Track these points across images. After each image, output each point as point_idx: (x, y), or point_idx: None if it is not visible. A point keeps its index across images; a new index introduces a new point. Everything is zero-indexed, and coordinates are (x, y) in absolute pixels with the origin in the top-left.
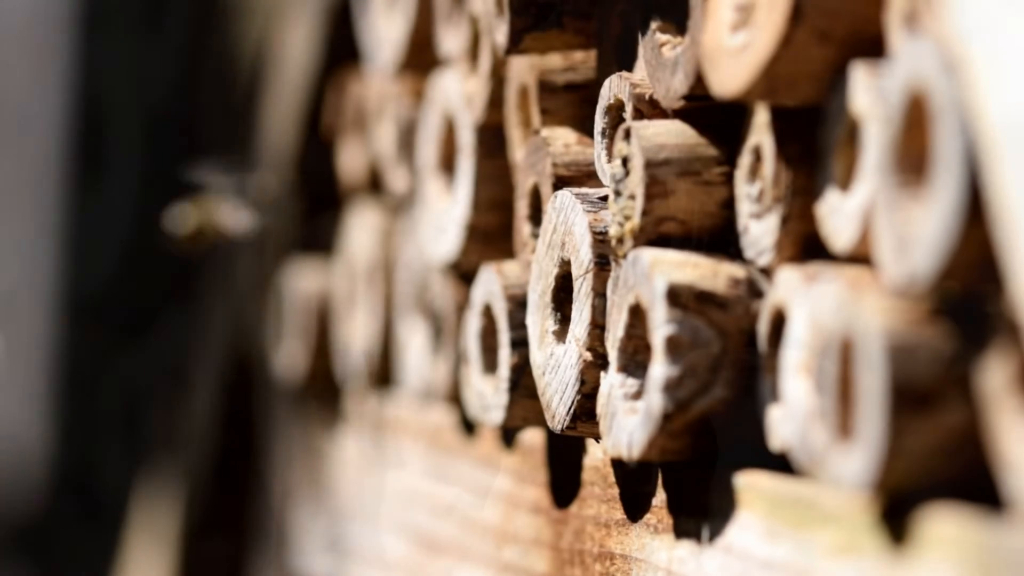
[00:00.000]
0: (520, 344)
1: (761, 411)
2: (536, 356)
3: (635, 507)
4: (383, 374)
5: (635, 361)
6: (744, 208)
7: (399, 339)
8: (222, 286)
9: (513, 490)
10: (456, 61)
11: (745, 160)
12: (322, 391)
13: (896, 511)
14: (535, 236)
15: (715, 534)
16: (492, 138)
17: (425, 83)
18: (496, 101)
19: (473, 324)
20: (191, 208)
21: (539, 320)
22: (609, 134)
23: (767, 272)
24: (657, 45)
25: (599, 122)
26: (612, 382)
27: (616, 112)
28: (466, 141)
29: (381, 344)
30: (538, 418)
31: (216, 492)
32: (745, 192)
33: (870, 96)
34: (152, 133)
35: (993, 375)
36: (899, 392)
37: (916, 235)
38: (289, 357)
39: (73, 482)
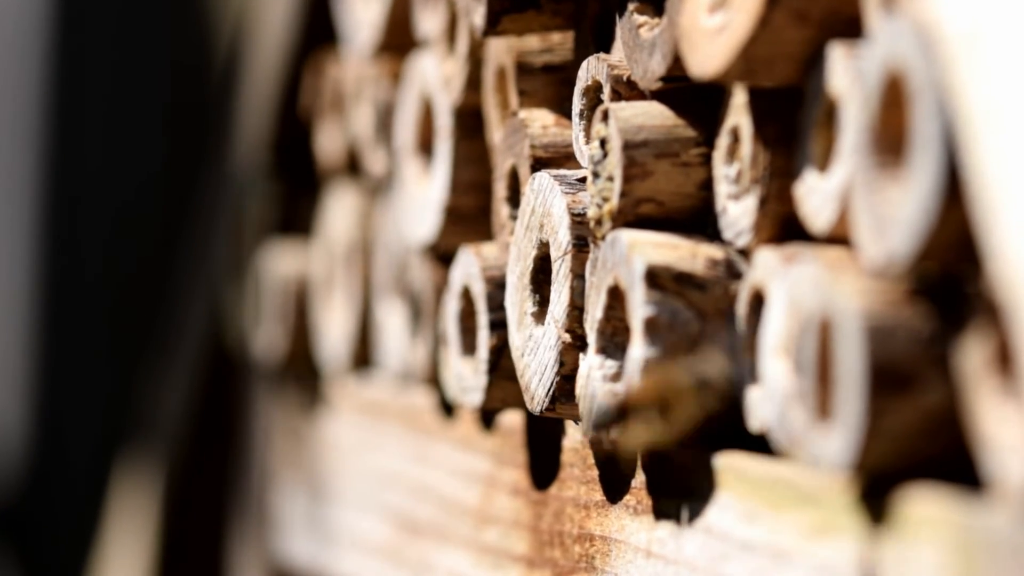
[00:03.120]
0: (499, 326)
1: (740, 392)
2: (515, 338)
3: (615, 488)
4: (362, 356)
5: (614, 342)
6: (722, 189)
7: (378, 321)
8: (200, 269)
9: (492, 472)
10: (434, 43)
11: (723, 141)
12: (301, 373)
13: (875, 492)
14: (513, 218)
15: (694, 515)
16: (470, 120)
17: (403, 65)
18: (474, 83)
19: (452, 306)
20: None
21: (518, 302)
22: (587, 115)
23: (745, 253)
24: (635, 26)
25: (577, 103)
26: (591, 363)
27: (594, 93)
28: (444, 123)
29: (359, 326)
30: (517, 400)
31: (195, 475)
32: (723, 173)
33: (848, 77)
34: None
35: (972, 355)
36: (878, 373)
37: (894, 216)
38: (268, 339)
39: (52, 465)
